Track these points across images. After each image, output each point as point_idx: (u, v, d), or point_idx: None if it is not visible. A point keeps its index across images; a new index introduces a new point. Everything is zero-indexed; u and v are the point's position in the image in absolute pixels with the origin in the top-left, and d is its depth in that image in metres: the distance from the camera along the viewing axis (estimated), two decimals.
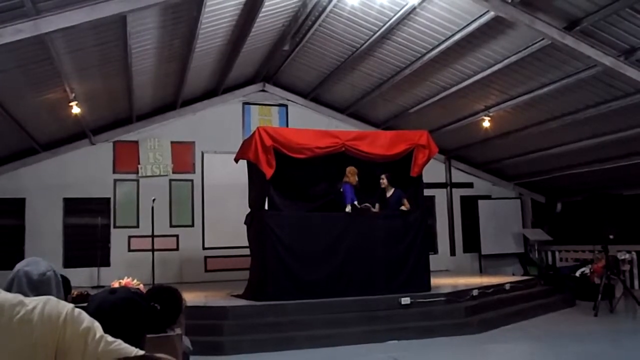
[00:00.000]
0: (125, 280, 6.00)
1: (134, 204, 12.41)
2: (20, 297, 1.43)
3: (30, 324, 1.37)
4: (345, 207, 8.75)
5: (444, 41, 9.38)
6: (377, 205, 9.08)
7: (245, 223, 9.24)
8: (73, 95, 9.24)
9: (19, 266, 2.11)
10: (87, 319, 1.46)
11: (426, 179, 9.87)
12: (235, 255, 11.68)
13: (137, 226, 12.26)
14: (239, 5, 8.72)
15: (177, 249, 12.57)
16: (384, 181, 9.02)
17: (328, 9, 9.38)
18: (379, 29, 9.56)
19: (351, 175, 8.81)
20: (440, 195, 14.52)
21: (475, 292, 9.02)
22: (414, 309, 8.26)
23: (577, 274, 11.84)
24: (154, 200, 10.88)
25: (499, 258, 14.44)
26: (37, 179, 11.80)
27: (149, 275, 10.11)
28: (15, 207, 11.77)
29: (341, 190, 8.88)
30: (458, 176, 14.73)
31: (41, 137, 11.40)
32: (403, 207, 8.92)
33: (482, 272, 14.06)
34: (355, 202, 8.81)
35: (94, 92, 10.04)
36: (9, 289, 2.02)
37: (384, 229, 8.82)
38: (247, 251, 9.47)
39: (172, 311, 3.18)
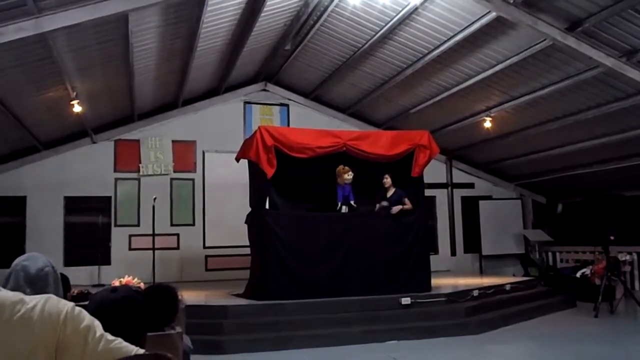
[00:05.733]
0: (125, 279, 5.99)
1: (134, 202, 12.41)
2: (21, 295, 1.43)
3: (31, 322, 1.37)
4: (337, 206, 8.77)
5: (445, 41, 9.38)
6: (377, 205, 9.07)
7: (246, 222, 9.24)
8: (74, 93, 9.25)
9: (17, 260, 2.11)
10: (87, 318, 1.46)
11: (427, 179, 9.86)
12: (236, 254, 11.68)
13: (138, 225, 12.27)
14: (241, 5, 8.72)
15: (177, 248, 12.57)
16: (387, 180, 8.99)
17: (330, 8, 9.38)
18: (381, 29, 9.56)
19: (339, 175, 8.82)
20: (441, 196, 14.50)
21: (475, 293, 9.02)
22: (414, 309, 8.26)
23: (578, 275, 11.83)
24: (154, 199, 10.88)
25: (499, 259, 14.44)
26: (38, 177, 11.81)
27: (150, 274, 10.11)
28: (16, 205, 11.77)
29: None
30: (459, 176, 14.71)
31: (42, 135, 11.41)
32: (406, 207, 8.90)
33: (482, 272, 14.06)
34: (352, 202, 8.81)
35: (95, 91, 10.05)
36: (6, 282, 2.02)
37: (384, 229, 8.82)
38: (247, 250, 9.48)
39: (168, 310, 3.14)
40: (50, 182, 11.83)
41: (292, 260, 8.36)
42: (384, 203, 8.88)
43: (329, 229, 8.69)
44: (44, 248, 10.61)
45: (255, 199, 9.15)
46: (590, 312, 9.40)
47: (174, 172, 12.80)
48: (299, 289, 8.18)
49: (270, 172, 8.36)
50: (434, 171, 12.34)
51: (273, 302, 7.96)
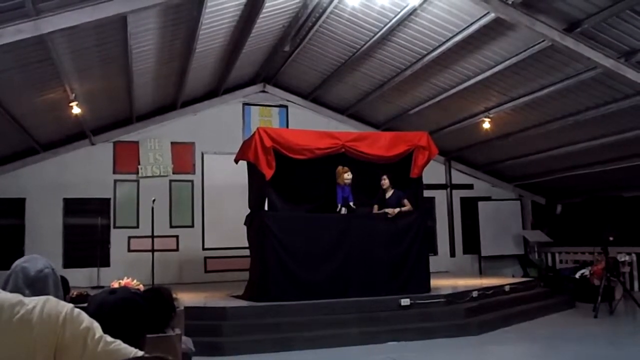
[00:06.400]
0: (124, 281, 5.98)
1: (134, 204, 12.41)
2: (20, 296, 1.43)
3: (30, 323, 1.37)
4: (337, 207, 8.78)
5: (444, 42, 9.38)
6: (375, 207, 9.07)
7: (245, 224, 9.24)
8: (73, 95, 9.24)
9: (17, 262, 2.11)
10: (86, 319, 1.46)
11: (426, 180, 9.87)
12: (235, 255, 11.68)
13: (137, 227, 12.26)
14: (240, 6, 8.73)
15: (177, 249, 12.56)
16: (385, 182, 9.00)
17: (329, 10, 9.38)
18: (380, 30, 9.57)
19: (339, 175, 8.82)
20: (440, 197, 14.52)
21: (474, 294, 9.02)
22: (414, 310, 8.26)
23: (577, 275, 11.83)
24: (154, 200, 10.87)
25: (498, 259, 14.44)
26: (37, 179, 11.80)
27: (149, 276, 10.10)
28: (15, 207, 11.77)
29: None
30: (458, 177, 14.73)
31: (41, 137, 11.40)
32: (405, 208, 8.91)
33: (481, 273, 14.06)
34: (351, 203, 8.82)
35: (94, 93, 10.05)
36: (5, 284, 2.02)
37: (384, 230, 8.81)
38: (247, 252, 9.47)
39: (164, 312, 3.09)
40: (49, 184, 11.83)
41: (292, 261, 8.35)
42: (386, 210, 8.88)
43: (328, 230, 8.68)
44: (43, 250, 10.61)
45: (254, 201, 9.15)
46: (589, 313, 9.39)
47: (173, 173, 12.79)
48: (298, 290, 8.17)
49: (269, 173, 8.36)
50: (433, 172, 12.36)
51: (272, 304, 7.96)
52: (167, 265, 12.03)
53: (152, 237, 10.90)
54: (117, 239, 12.27)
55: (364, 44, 10.19)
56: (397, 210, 8.84)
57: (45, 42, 7.10)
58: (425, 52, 9.91)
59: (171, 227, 12.58)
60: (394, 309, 8.19)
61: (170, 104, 12.52)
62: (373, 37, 9.83)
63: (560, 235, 14.03)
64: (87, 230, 12.14)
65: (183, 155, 12.93)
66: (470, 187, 14.82)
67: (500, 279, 11.51)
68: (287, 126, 13.36)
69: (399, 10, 8.83)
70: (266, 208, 8.80)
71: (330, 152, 8.84)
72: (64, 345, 1.39)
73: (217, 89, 12.80)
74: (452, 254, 14.47)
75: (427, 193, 10.67)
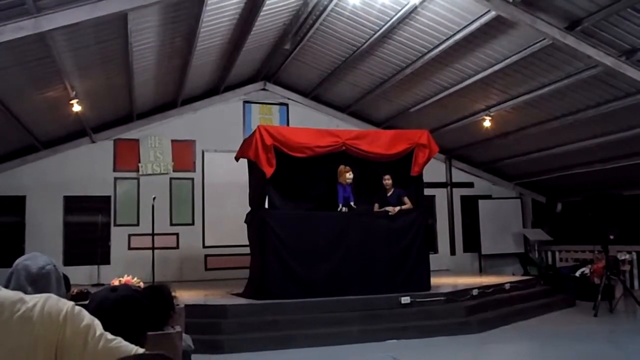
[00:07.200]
0: (125, 279, 5.97)
1: (134, 202, 12.41)
2: (20, 294, 1.43)
3: (31, 321, 1.37)
4: (338, 206, 8.79)
5: (445, 40, 9.38)
6: (376, 205, 9.07)
7: (245, 222, 9.24)
8: (74, 93, 9.24)
9: (19, 260, 2.11)
10: (87, 317, 1.46)
11: (426, 178, 9.87)
12: (235, 253, 11.67)
13: (138, 224, 12.26)
14: (240, 4, 8.72)
15: (177, 247, 12.57)
16: (389, 182, 8.99)
17: (329, 8, 9.38)
18: (380, 28, 9.56)
19: (340, 175, 8.82)
20: (440, 195, 14.52)
21: (475, 292, 9.02)
22: (414, 308, 8.26)
23: (577, 274, 11.84)
24: (154, 198, 10.87)
25: (499, 258, 14.45)
26: (37, 176, 11.80)
27: (149, 274, 10.10)
28: (15, 205, 11.77)
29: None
30: (458, 176, 14.73)
31: (42, 134, 11.40)
32: (405, 205, 8.91)
33: (482, 271, 14.07)
34: (352, 203, 8.81)
35: (94, 90, 10.04)
36: (7, 283, 2.02)
37: (384, 228, 8.82)
38: (247, 250, 9.47)
39: (163, 309, 3.07)
40: (49, 182, 11.83)
41: (292, 259, 8.35)
42: (387, 208, 8.88)
43: (328, 228, 8.69)
44: (43, 248, 10.62)
45: (255, 199, 9.15)
46: (589, 311, 9.40)
47: (174, 171, 12.79)
48: (298, 288, 8.18)
49: (269, 171, 8.36)
50: (434, 170, 12.37)
51: (272, 302, 7.96)
52: (168, 263, 12.04)
53: (153, 234, 10.91)
54: (118, 236, 12.27)
55: (365, 42, 10.18)
56: (397, 208, 8.84)
57: (45, 40, 7.10)
58: (426, 50, 9.91)
59: (171, 224, 12.58)
60: (394, 307, 8.19)
61: (171, 101, 12.52)
62: (374, 35, 9.82)
63: (561, 233, 14.04)
64: (88, 228, 12.14)
65: (183, 153, 12.92)
66: (470, 185, 14.83)
67: (501, 277, 11.52)
68: (288, 124, 13.36)
69: (399, 8, 8.82)
70: (266, 206, 8.80)
71: (331, 150, 8.84)
72: (64, 343, 1.39)
73: (217, 87, 12.80)
74: (453, 252, 14.48)
75: (427, 191, 10.67)
